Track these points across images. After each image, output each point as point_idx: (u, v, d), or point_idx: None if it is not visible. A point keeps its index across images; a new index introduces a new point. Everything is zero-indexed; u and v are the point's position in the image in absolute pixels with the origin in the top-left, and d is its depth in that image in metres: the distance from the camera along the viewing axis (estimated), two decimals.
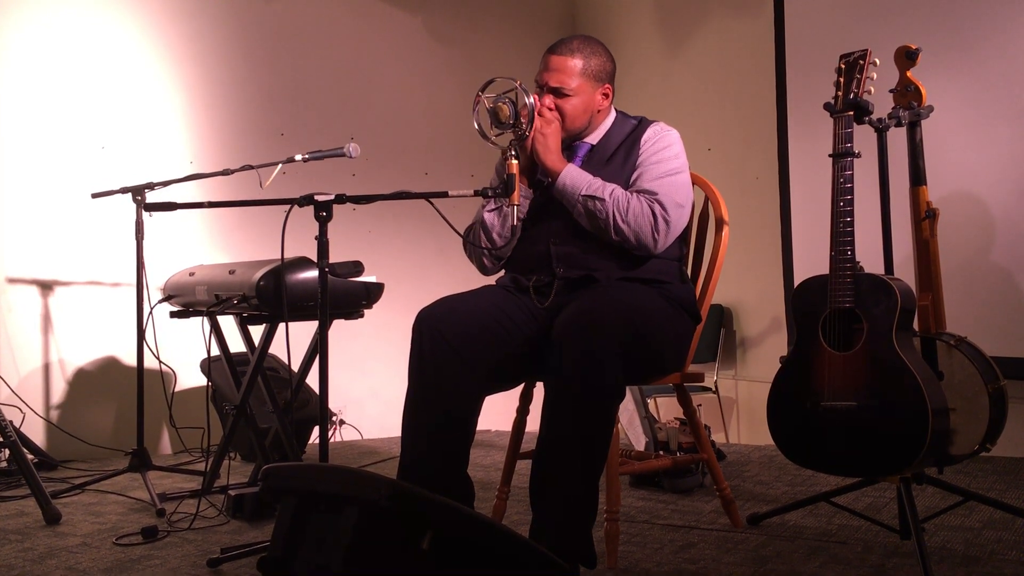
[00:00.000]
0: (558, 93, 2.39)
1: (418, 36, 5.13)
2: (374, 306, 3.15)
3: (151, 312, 3.14)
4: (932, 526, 2.50)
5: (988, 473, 3.19)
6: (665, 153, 2.41)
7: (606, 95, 2.46)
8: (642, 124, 2.49)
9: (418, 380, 2.25)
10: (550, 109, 2.39)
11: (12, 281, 3.94)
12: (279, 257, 2.26)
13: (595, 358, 2.07)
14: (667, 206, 2.33)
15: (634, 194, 2.34)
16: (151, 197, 3.14)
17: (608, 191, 2.32)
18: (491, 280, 2.57)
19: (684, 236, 2.51)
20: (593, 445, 2.11)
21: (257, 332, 3.16)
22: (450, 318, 2.26)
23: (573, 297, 2.28)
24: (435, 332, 2.23)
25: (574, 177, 2.35)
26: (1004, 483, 3.04)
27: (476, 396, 2.28)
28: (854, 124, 2.27)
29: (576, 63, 2.40)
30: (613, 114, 2.53)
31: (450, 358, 2.22)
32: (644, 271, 2.38)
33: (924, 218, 2.53)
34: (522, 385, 2.53)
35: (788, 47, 4.45)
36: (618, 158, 2.44)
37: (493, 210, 2.46)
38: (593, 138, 2.49)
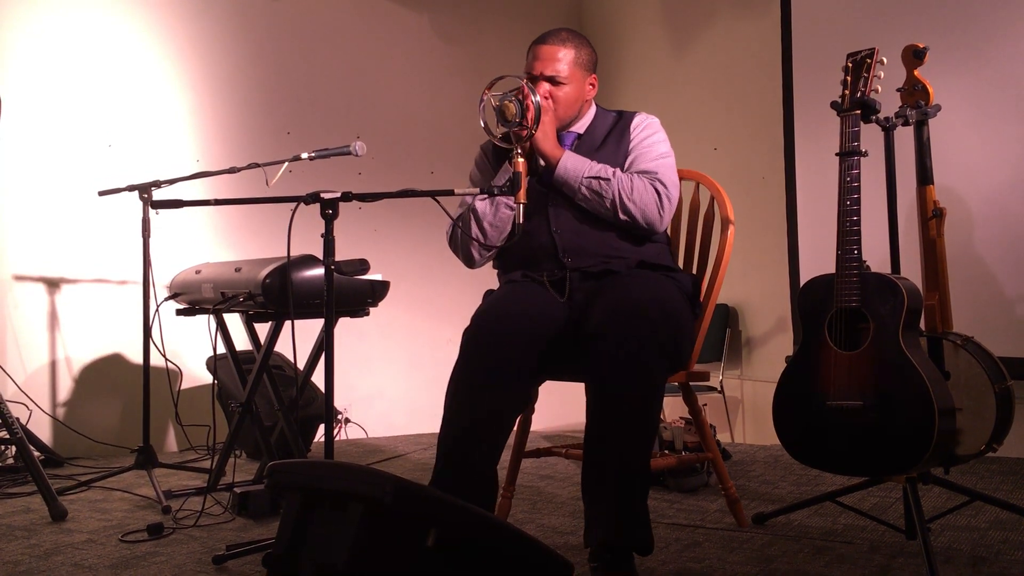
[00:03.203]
0: (552, 81, 2.44)
1: (424, 35, 5.13)
2: (380, 304, 3.16)
3: (157, 310, 3.15)
4: (938, 526, 2.49)
5: (994, 473, 3.18)
6: (655, 138, 2.49)
7: (593, 85, 2.54)
8: (625, 114, 2.55)
9: (468, 379, 2.21)
10: (546, 98, 2.43)
11: (19, 278, 3.95)
12: (285, 255, 2.26)
13: (640, 347, 2.08)
14: (667, 184, 2.40)
15: (634, 174, 2.39)
16: (157, 195, 3.15)
17: (611, 172, 2.38)
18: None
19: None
20: (645, 431, 2.11)
21: (263, 330, 3.16)
22: (504, 319, 2.25)
23: (597, 288, 2.30)
24: (492, 333, 2.22)
25: (575, 162, 2.39)
26: (1011, 483, 3.03)
27: (522, 396, 2.29)
28: (861, 123, 2.26)
29: (568, 52, 2.46)
30: (594, 106, 2.59)
31: (504, 358, 2.19)
32: (648, 254, 2.42)
33: (931, 217, 2.52)
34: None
35: (795, 46, 4.44)
36: (610, 144, 2.48)
37: (486, 198, 2.45)
38: (579, 127, 2.54)
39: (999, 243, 3.62)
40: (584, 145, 2.50)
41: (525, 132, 2.30)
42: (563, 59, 2.44)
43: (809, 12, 4.39)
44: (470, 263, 2.55)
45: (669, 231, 2.58)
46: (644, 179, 2.38)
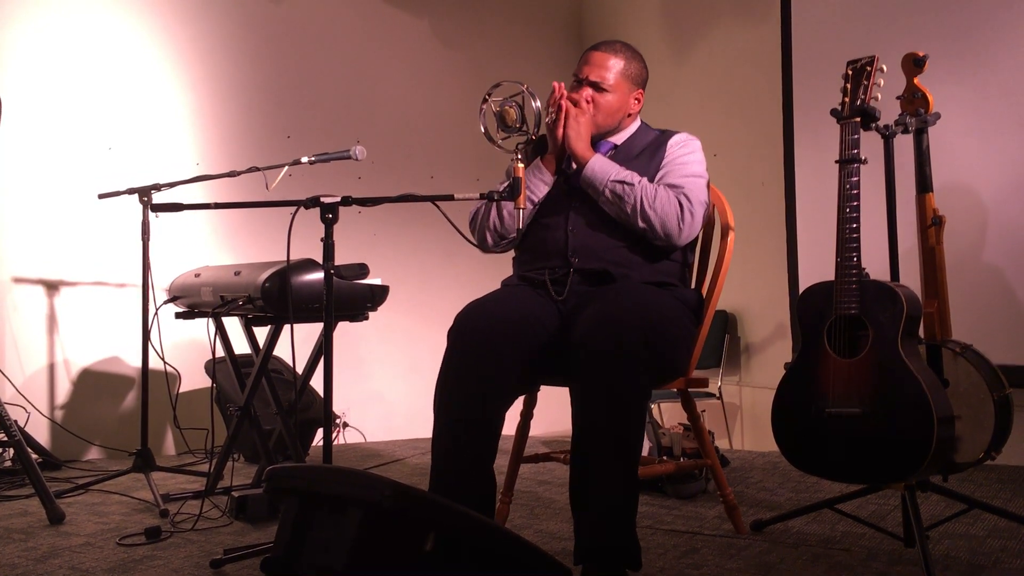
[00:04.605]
0: (596, 87, 2.47)
1: (424, 39, 5.14)
2: (379, 308, 3.16)
3: (156, 313, 3.14)
4: (936, 534, 2.49)
5: (993, 481, 3.18)
6: (690, 157, 2.48)
7: (638, 100, 2.55)
8: (667, 132, 2.55)
9: (453, 378, 2.21)
10: (587, 101, 2.45)
11: (18, 281, 3.95)
12: (284, 259, 2.26)
13: (622, 356, 2.06)
14: (692, 200, 2.38)
15: (661, 186, 2.39)
16: (157, 198, 3.15)
17: (637, 179, 2.37)
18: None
19: (691, 244, 2.52)
20: (628, 441, 2.09)
21: (262, 334, 3.16)
22: (489, 321, 2.24)
23: (590, 295, 2.29)
24: (475, 332, 2.22)
25: (603, 164, 2.40)
26: (1009, 491, 3.03)
27: (507, 396, 2.26)
28: (861, 130, 2.27)
29: (617, 62, 2.48)
30: (638, 122, 2.59)
31: (487, 357, 2.19)
32: (656, 271, 2.40)
33: (930, 225, 2.53)
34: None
35: (795, 53, 4.44)
36: (644, 157, 2.49)
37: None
38: (617, 139, 2.55)
39: (999, 251, 3.63)
40: (619, 156, 2.50)
41: (527, 134, 2.32)
42: (611, 68, 2.47)
43: (809, 19, 4.40)
44: (484, 246, 2.56)
45: (687, 252, 2.52)
46: (670, 191, 2.37)
